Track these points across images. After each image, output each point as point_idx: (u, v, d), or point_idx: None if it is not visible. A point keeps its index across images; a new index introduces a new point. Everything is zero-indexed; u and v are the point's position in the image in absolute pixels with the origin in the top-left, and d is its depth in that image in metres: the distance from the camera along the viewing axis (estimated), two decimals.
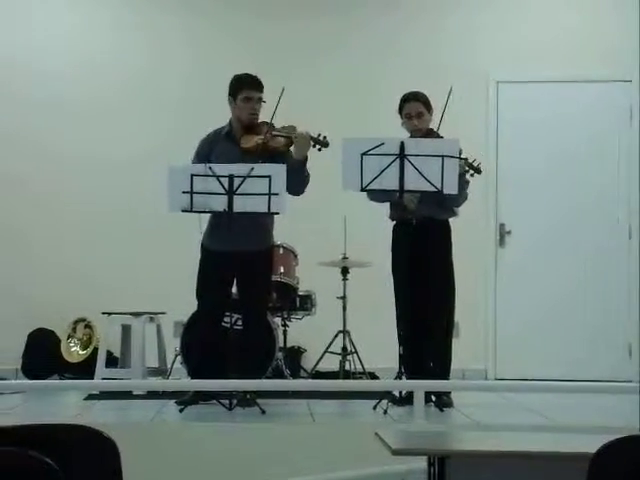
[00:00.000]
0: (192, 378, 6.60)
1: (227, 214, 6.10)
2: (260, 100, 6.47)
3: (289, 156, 6.38)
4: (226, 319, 6.56)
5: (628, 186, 8.39)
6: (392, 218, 6.62)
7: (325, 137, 6.31)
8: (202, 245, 6.57)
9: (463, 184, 6.35)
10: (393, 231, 6.60)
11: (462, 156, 6.27)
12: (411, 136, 6.47)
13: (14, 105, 8.37)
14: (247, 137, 6.43)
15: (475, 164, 6.32)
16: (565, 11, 8.47)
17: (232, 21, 8.50)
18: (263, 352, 6.74)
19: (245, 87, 6.47)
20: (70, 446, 2.71)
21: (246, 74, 6.54)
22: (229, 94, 6.52)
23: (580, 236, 8.39)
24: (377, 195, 6.50)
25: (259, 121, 6.47)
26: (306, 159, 6.35)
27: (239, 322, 6.61)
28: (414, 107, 6.52)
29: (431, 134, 6.48)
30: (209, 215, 6.45)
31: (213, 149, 6.51)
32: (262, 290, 6.60)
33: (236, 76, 6.56)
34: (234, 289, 6.64)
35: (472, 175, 6.35)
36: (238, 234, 6.10)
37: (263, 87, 6.48)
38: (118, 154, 8.37)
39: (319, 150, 6.33)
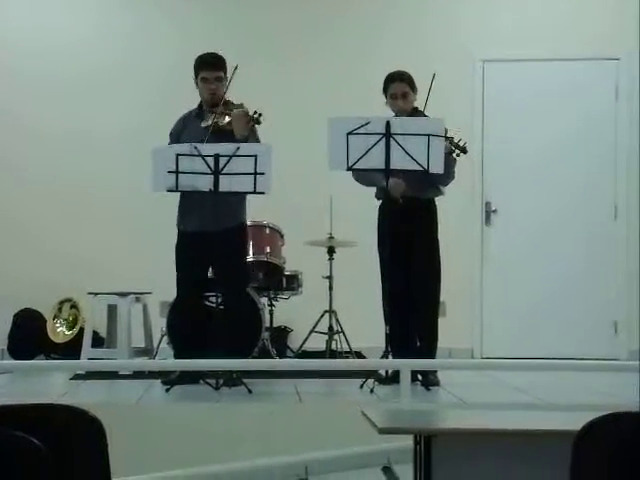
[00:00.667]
0: (177, 358, 6.60)
1: (196, 194, 6.09)
2: (219, 79, 6.44)
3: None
4: (211, 299, 6.56)
5: (614, 164, 8.40)
6: (378, 197, 6.61)
7: (259, 115, 6.24)
8: (177, 228, 6.57)
9: (450, 163, 6.34)
10: (379, 210, 6.60)
11: (448, 135, 6.26)
12: (396, 116, 6.45)
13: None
14: (208, 116, 6.43)
15: (461, 144, 6.31)
16: None
17: (217, 7, 8.45)
18: (247, 330, 6.74)
19: (202, 67, 6.48)
20: (56, 426, 2.70)
21: (205, 54, 6.54)
22: (194, 75, 6.53)
23: (566, 215, 8.40)
24: (363, 179, 6.50)
25: (226, 100, 6.44)
26: (245, 138, 6.30)
27: None
28: (399, 87, 6.51)
29: (416, 114, 6.47)
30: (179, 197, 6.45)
31: (184, 129, 6.53)
32: (238, 267, 6.59)
33: (197, 57, 6.56)
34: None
35: (458, 155, 6.34)
36: (208, 213, 6.11)
37: (223, 65, 6.46)
38: (103, 134, 8.37)
39: (252, 127, 6.29)
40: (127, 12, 8.49)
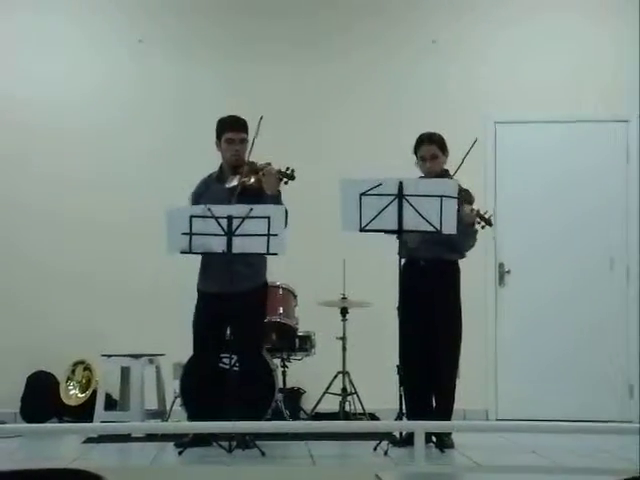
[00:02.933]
0: (190, 420, 6.56)
1: (217, 255, 6.11)
2: (243, 141, 6.52)
3: (265, 193, 6.40)
4: (225, 360, 6.55)
5: (626, 227, 8.39)
6: (400, 255, 6.58)
7: (292, 170, 6.30)
8: (197, 288, 6.59)
9: (472, 232, 6.36)
10: (402, 270, 6.56)
11: (474, 207, 6.29)
12: (425, 177, 6.48)
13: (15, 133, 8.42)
14: (232, 177, 6.48)
15: (487, 216, 6.32)
16: (563, 53, 8.54)
17: (233, 66, 8.53)
18: (262, 393, 6.72)
19: (227, 129, 6.54)
20: None
21: (229, 116, 6.61)
22: (216, 137, 6.60)
23: (579, 277, 8.38)
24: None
25: (247, 161, 6.50)
26: (278, 194, 6.35)
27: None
28: (428, 150, 6.53)
29: (445, 176, 6.48)
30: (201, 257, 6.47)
31: (205, 191, 6.58)
32: (255, 330, 6.59)
33: (220, 119, 6.65)
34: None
35: (483, 227, 6.36)
36: (229, 275, 6.11)
37: (247, 127, 6.54)
38: (113, 184, 8.40)
39: (286, 183, 6.34)
40: (134, 65, 8.56)
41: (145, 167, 8.42)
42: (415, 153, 6.58)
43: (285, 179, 6.34)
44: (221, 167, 6.65)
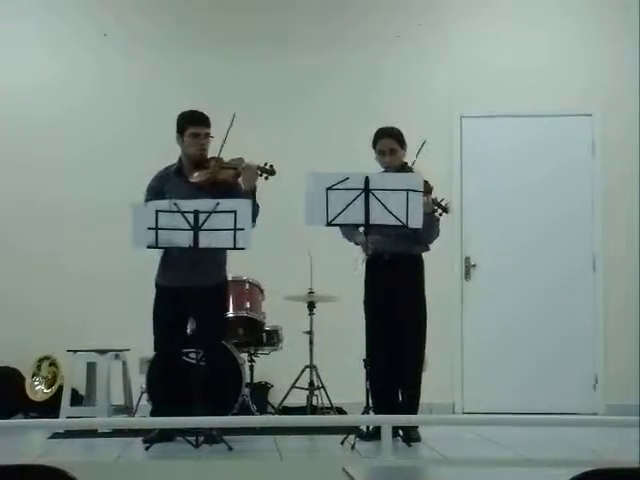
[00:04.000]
0: (154, 416, 6.54)
1: (177, 250, 6.11)
2: (207, 135, 6.50)
3: (238, 188, 6.39)
4: (192, 355, 6.54)
5: (592, 219, 8.46)
6: (365, 252, 6.62)
7: (272, 165, 6.33)
8: (155, 283, 6.57)
9: (434, 222, 6.39)
10: (366, 265, 6.61)
11: (431, 196, 6.31)
12: (385, 171, 6.50)
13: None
14: (196, 172, 6.47)
15: (443, 203, 6.35)
16: (528, 47, 8.56)
17: (201, 64, 8.50)
18: (228, 386, 6.71)
19: (191, 124, 6.50)
20: None
21: (192, 110, 6.58)
22: (177, 131, 6.56)
23: (544, 269, 8.43)
24: (348, 236, 6.55)
25: (208, 156, 6.49)
26: (255, 189, 6.35)
27: None
28: (387, 143, 6.56)
29: (404, 169, 6.51)
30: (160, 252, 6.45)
31: (164, 186, 6.54)
32: (217, 325, 6.58)
33: (182, 113, 6.60)
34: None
35: (440, 214, 6.39)
36: (189, 270, 6.11)
37: (210, 123, 6.51)
38: (87, 189, 8.37)
39: (266, 179, 6.35)
40: (86, 55, 8.52)
41: (107, 157, 8.38)
42: (374, 147, 6.60)
43: (265, 174, 6.34)
44: (180, 161, 6.60)
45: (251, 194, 6.31)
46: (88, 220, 8.33)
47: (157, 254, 6.53)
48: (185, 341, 6.59)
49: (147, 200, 6.39)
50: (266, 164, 6.34)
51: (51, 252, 8.35)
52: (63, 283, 8.31)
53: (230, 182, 6.39)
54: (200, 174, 6.45)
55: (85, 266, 8.32)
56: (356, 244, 6.60)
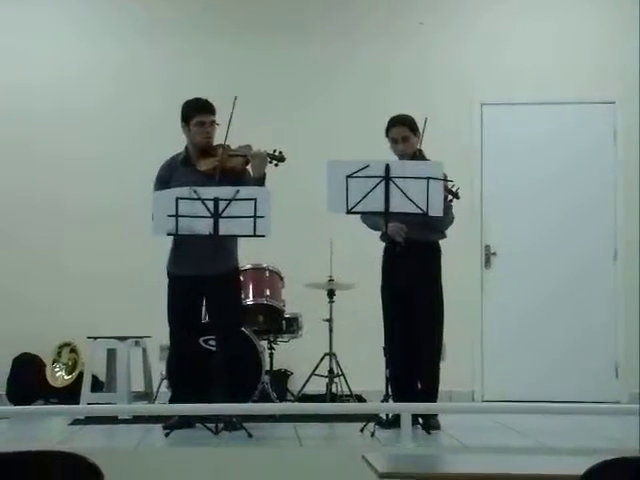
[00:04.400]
0: (173, 403, 6.55)
1: (188, 238, 6.11)
2: (213, 123, 6.48)
3: (247, 175, 6.38)
4: (211, 342, 6.54)
5: (614, 207, 8.41)
6: (383, 240, 6.61)
7: (281, 152, 6.32)
8: (167, 271, 6.57)
9: (449, 207, 6.36)
10: (383, 253, 6.60)
11: (447, 180, 6.28)
12: (398, 159, 6.49)
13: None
14: (204, 160, 6.44)
15: (453, 189, 6.33)
16: (549, 35, 8.52)
17: (215, 53, 8.49)
18: (247, 373, 6.72)
19: (197, 112, 6.48)
20: (54, 473, 2.68)
21: (197, 98, 6.55)
22: (182, 120, 6.53)
23: (565, 257, 8.39)
24: (368, 221, 6.54)
25: (215, 144, 6.47)
26: (264, 176, 6.35)
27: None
28: (400, 131, 6.54)
29: (417, 157, 6.49)
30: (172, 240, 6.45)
31: (172, 175, 6.51)
32: (232, 312, 6.56)
33: (187, 101, 6.57)
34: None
35: (451, 200, 6.36)
36: (201, 258, 6.12)
37: (215, 110, 6.49)
38: (95, 167, 8.38)
39: (276, 165, 6.34)
40: (117, 48, 8.52)
41: (131, 150, 8.39)
42: (387, 135, 6.59)
43: (275, 161, 6.33)
44: (187, 150, 6.56)
45: (260, 181, 6.30)
46: (113, 215, 8.33)
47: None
48: (201, 329, 6.59)
49: (156, 189, 6.38)
50: (275, 151, 6.33)
51: (72, 242, 8.36)
52: (85, 272, 8.32)
53: (238, 170, 6.38)
54: (208, 162, 6.43)
55: (107, 256, 8.32)
56: (377, 229, 6.57)
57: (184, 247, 6.40)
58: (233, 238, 6.39)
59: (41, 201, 8.37)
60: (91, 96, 8.47)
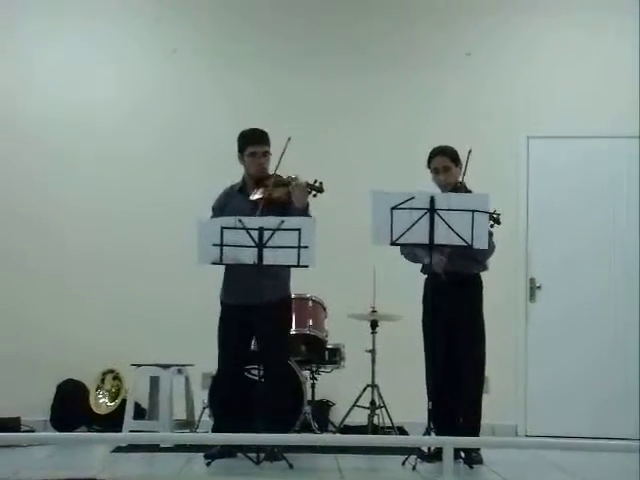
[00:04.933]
0: (215, 432, 6.55)
1: (240, 266, 6.12)
2: (266, 153, 6.54)
3: (292, 205, 6.40)
4: (253, 371, 6.55)
5: None
6: (423, 272, 6.60)
7: (321, 183, 6.33)
8: (220, 300, 6.60)
9: (490, 236, 6.33)
10: (424, 285, 6.58)
11: (495, 213, 6.25)
12: (440, 190, 6.48)
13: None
14: (256, 190, 6.50)
15: (494, 215, 6.29)
16: (590, 70, 8.51)
17: (267, 77, 8.56)
18: (290, 404, 6.71)
19: (250, 142, 6.55)
20: None
21: (251, 129, 6.62)
22: (238, 150, 6.61)
23: (610, 291, 8.32)
24: (408, 255, 6.53)
25: (270, 174, 6.51)
26: (307, 206, 6.36)
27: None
28: (440, 161, 6.54)
29: (459, 188, 6.47)
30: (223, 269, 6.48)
31: (227, 203, 6.59)
32: (280, 342, 6.57)
33: (242, 132, 6.65)
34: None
35: (492, 226, 6.32)
36: (253, 287, 6.12)
37: (269, 140, 6.55)
38: (149, 206, 8.45)
39: (314, 196, 6.35)
40: (177, 80, 8.61)
41: (186, 179, 8.47)
42: (428, 166, 6.58)
43: (314, 192, 6.35)
44: (244, 179, 6.65)
45: (304, 211, 6.32)
46: (159, 243, 8.39)
47: (221, 270, 6.55)
48: (249, 358, 6.59)
49: (212, 217, 6.45)
50: (316, 181, 6.34)
51: (121, 263, 8.42)
52: (129, 298, 8.38)
53: (284, 200, 6.41)
54: (258, 192, 6.49)
55: (152, 281, 8.38)
56: (418, 262, 6.55)
57: (235, 276, 6.43)
58: (284, 268, 6.40)
59: (81, 237, 8.44)
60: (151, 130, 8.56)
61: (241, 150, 6.60)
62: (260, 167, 6.53)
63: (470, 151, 6.25)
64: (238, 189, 6.65)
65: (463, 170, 6.38)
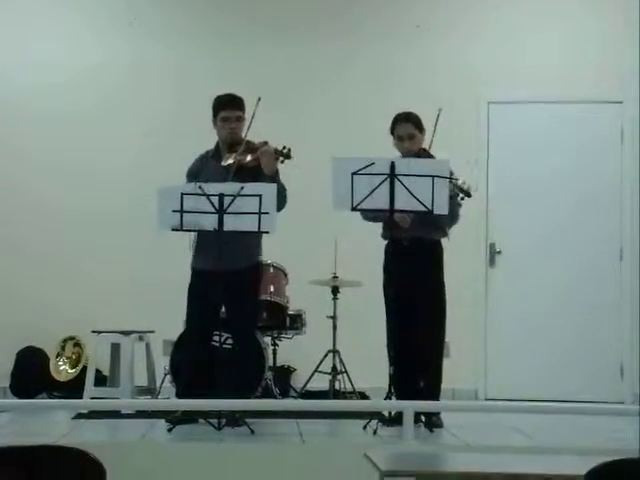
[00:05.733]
0: (180, 397, 6.57)
1: (212, 233, 6.11)
2: (240, 118, 6.51)
3: (262, 171, 6.38)
4: (215, 338, 6.55)
5: (619, 206, 8.40)
6: (384, 237, 6.62)
7: (289, 149, 6.30)
8: (191, 266, 6.59)
9: (455, 206, 6.34)
10: (385, 251, 6.60)
11: (453, 178, 6.27)
12: (403, 157, 6.47)
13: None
14: (228, 155, 6.47)
15: (465, 187, 6.30)
16: (556, 33, 8.51)
17: (223, 46, 8.50)
18: (252, 371, 6.72)
19: (222, 107, 6.53)
20: (56, 467, 2.68)
21: (225, 94, 6.60)
22: (212, 115, 6.58)
23: (570, 256, 8.38)
24: (370, 215, 6.50)
25: (243, 139, 6.48)
26: (276, 173, 6.34)
27: (228, 341, 6.62)
28: (405, 128, 6.53)
29: (423, 154, 6.48)
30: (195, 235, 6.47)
31: (202, 169, 6.57)
32: (249, 308, 6.59)
33: (216, 97, 6.63)
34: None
35: (462, 198, 6.33)
36: (223, 253, 6.11)
37: (243, 105, 6.53)
38: (104, 170, 8.38)
39: (282, 162, 6.33)
40: (128, 47, 8.52)
41: (140, 148, 8.39)
42: (392, 133, 6.57)
43: (282, 158, 6.33)
44: (217, 145, 6.63)
45: (272, 178, 6.30)
46: (119, 213, 8.33)
47: (183, 237, 6.52)
48: (218, 324, 6.59)
49: (187, 182, 6.43)
50: (284, 147, 6.32)
51: (79, 229, 8.37)
52: (88, 265, 8.34)
53: (255, 165, 6.39)
54: (230, 157, 6.47)
55: (111, 252, 8.34)
56: (378, 221, 6.54)
57: (205, 242, 6.40)
58: (255, 235, 6.38)
59: (45, 203, 8.37)
60: (101, 96, 8.48)
61: (215, 115, 6.57)
62: (232, 132, 6.50)
63: (440, 110, 6.24)
64: (212, 155, 6.61)
65: (433, 130, 6.35)
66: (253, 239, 6.50)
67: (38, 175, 8.39)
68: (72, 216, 8.38)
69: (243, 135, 6.46)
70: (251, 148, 6.42)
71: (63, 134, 8.43)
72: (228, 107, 6.52)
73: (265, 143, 6.40)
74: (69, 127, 8.44)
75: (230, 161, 6.44)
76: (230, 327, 6.55)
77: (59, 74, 8.46)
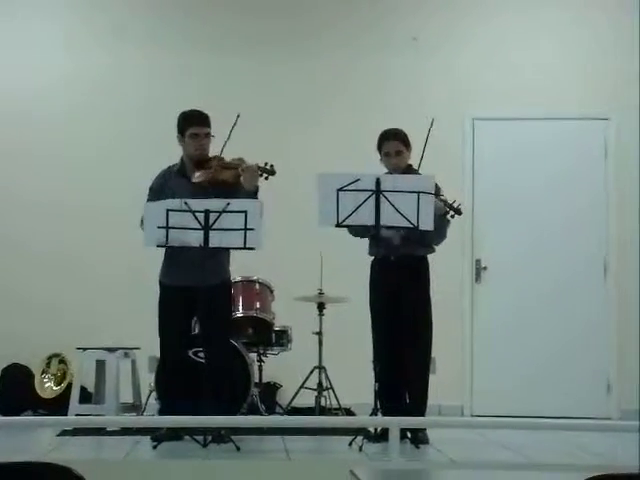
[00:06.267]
0: (162, 415, 6.54)
1: (181, 248, 6.09)
2: (208, 135, 6.49)
3: (239, 188, 6.36)
4: (200, 354, 6.53)
5: (605, 221, 8.42)
6: (371, 254, 6.62)
7: (272, 165, 6.30)
8: (159, 281, 6.57)
9: (443, 224, 6.36)
10: (371, 267, 6.60)
11: (442, 197, 6.28)
12: (390, 173, 6.48)
13: None
14: (197, 172, 6.45)
15: (455, 205, 6.31)
16: (543, 50, 8.55)
17: (193, 58, 8.52)
18: (236, 386, 6.70)
19: (191, 124, 6.49)
20: None
21: (192, 110, 6.57)
22: (177, 132, 6.55)
23: (555, 271, 8.40)
24: (357, 230, 6.50)
25: (210, 156, 6.48)
26: (257, 189, 6.34)
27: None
28: (393, 145, 6.54)
29: (409, 171, 6.49)
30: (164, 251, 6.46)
31: (165, 185, 6.53)
32: (222, 324, 6.55)
33: (182, 113, 6.59)
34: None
35: (452, 216, 6.35)
36: (193, 269, 6.10)
37: (210, 122, 6.50)
38: (88, 186, 8.37)
39: (266, 179, 6.33)
40: (100, 52, 8.53)
41: (112, 154, 8.38)
42: (379, 149, 6.58)
43: (265, 174, 6.33)
44: (182, 161, 6.58)
45: (253, 194, 6.30)
46: (97, 219, 8.32)
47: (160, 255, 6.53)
48: (192, 341, 6.58)
49: (149, 200, 6.39)
50: (266, 164, 6.32)
51: (61, 250, 8.35)
52: (74, 282, 8.32)
53: (231, 182, 6.37)
54: (202, 174, 6.43)
55: (96, 266, 8.33)
56: (363, 235, 6.54)
57: (175, 258, 6.41)
58: (225, 250, 6.39)
59: (30, 203, 8.36)
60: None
61: (182, 131, 6.52)
62: (202, 148, 6.48)
63: (433, 120, 6.26)
64: (177, 170, 6.58)
65: (425, 140, 6.35)
66: (223, 255, 6.48)
67: (30, 173, 8.37)
68: (55, 235, 8.35)
69: (219, 152, 6.43)
70: (228, 165, 6.40)
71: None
72: (197, 124, 6.49)
73: (240, 159, 6.38)
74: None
75: (202, 178, 6.41)
76: (207, 343, 6.51)
77: (32, 79, 8.44)
